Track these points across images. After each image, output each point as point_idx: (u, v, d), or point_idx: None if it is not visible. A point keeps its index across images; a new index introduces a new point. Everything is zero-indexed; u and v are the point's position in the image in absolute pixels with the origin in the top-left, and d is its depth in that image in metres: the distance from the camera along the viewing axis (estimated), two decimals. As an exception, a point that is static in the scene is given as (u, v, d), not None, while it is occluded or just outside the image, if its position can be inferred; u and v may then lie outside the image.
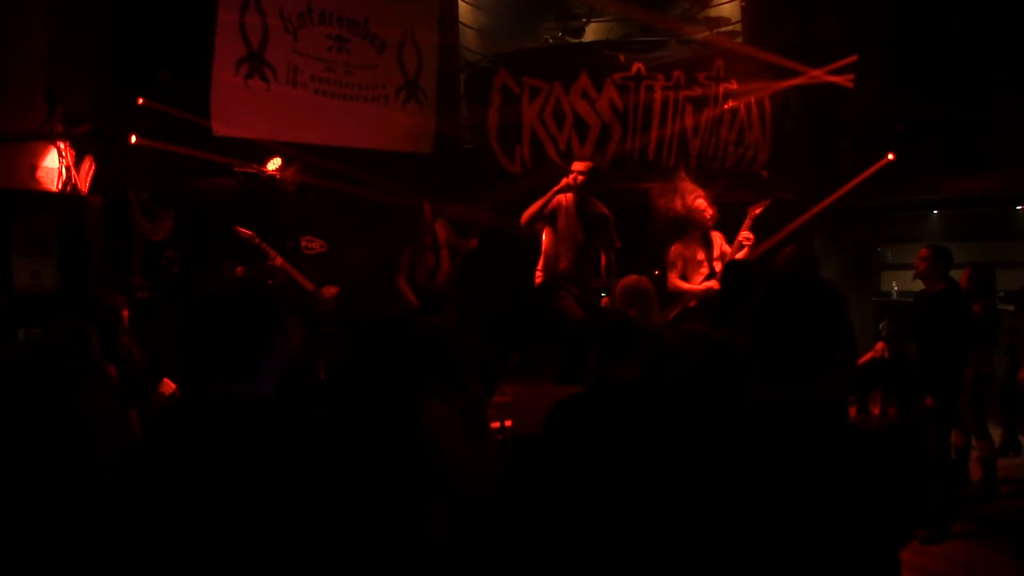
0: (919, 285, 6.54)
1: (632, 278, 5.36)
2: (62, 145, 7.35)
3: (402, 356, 3.01)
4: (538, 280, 7.37)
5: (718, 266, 7.15)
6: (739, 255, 7.08)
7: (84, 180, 7.33)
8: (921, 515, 5.86)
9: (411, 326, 3.18)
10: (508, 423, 5.95)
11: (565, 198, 7.20)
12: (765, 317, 2.14)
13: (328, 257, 7.76)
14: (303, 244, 7.66)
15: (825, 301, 2.13)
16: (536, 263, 7.43)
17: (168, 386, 5.83)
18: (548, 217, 7.24)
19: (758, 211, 7.14)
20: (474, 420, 4.28)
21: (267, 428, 2.11)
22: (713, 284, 7.09)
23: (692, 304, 7.15)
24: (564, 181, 7.16)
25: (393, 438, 2.84)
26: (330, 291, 7.63)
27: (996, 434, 7.15)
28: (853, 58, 8.60)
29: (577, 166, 7.21)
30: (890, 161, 8.12)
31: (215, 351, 2.17)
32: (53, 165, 7.31)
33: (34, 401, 1.89)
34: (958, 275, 6.62)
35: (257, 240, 7.26)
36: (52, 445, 2.02)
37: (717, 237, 7.26)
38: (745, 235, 7.07)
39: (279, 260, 7.35)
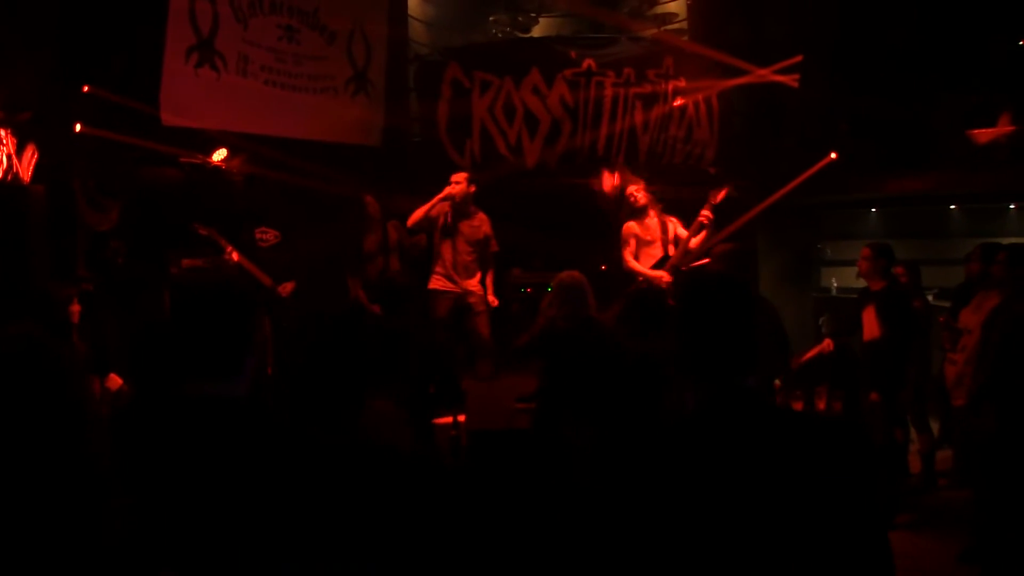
0: (859, 281, 6.69)
1: (566, 273, 5.42)
2: (3, 132, 7.15)
3: (347, 353, 2.97)
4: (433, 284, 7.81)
5: (671, 249, 7.35)
6: (697, 237, 7.28)
7: (26, 168, 7.14)
8: (890, 498, 6.05)
9: (360, 325, 3.13)
10: (461, 418, 5.97)
11: (446, 205, 7.70)
12: (689, 316, 2.13)
13: (282, 248, 7.72)
14: (257, 236, 7.60)
15: (739, 297, 2.13)
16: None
17: (115, 381, 5.73)
18: (432, 223, 7.74)
19: (720, 196, 7.33)
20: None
21: (249, 430, 2.07)
22: (663, 275, 7.26)
23: (643, 285, 7.27)
24: (446, 191, 7.66)
25: (335, 433, 2.81)
26: (287, 287, 7.61)
27: (934, 427, 7.36)
28: (798, 58, 8.70)
29: (456, 177, 7.76)
30: (833, 160, 8.27)
31: (198, 350, 2.11)
32: (-7, 153, 7.13)
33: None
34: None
35: (215, 236, 7.24)
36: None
37: (672, 222, 7.45)
38: (705, 213, 7.28)
39: (236, 255, 7.30)
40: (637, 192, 7.55)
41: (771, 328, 5.95)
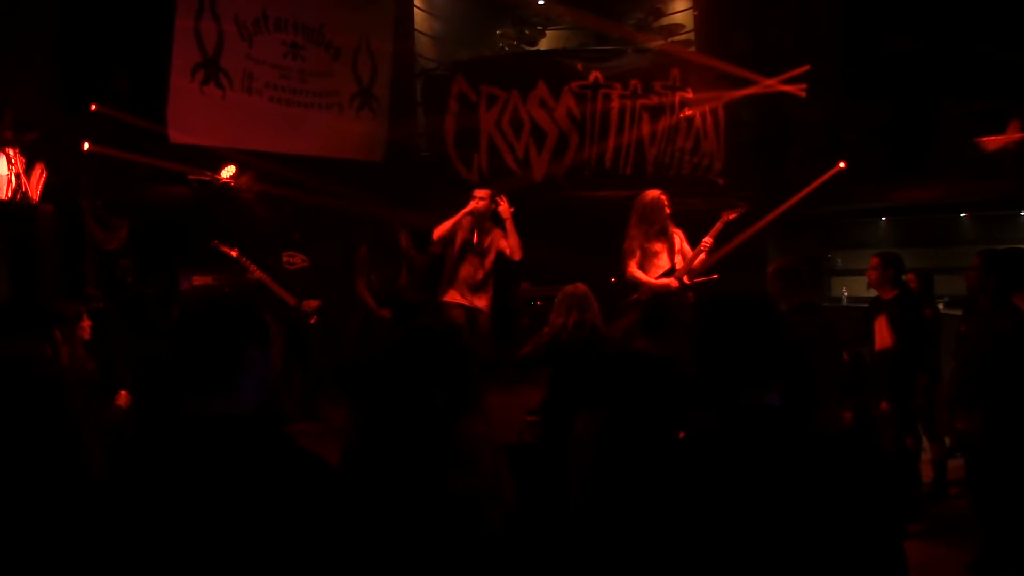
0: (870, 291, 6.63)
1: (571, 286, 5.37)
2: (11, 152, 7.19)
3: (449, 371, 2.88)
4: (444, 296, 7.74)
5: (678, 262, 7.21)
6: (699, 259, 7.17)
7: (35, 188, 7.18)
8: (902, 507, 6.01)
9: (459, 339, 3.00)
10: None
11: (470, 220, 7.63)
12: (708, 331, 2.14)
13: (310, 271, 7.76)
14: (285, 259, 7.63)
15: (759, 312, 2.14)
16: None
17: (124, 399, 5.73)
18: (453, 238, 7.67)
19: (732, 216, 7.23)
20: None
21: (243, 447, 2.04)
22: (671, 281, 7.13)
23: (644, 297, 7.19)
24: (471, 205, 7.54)
25: (434, 462, 2.77)
26: (311, 304, 7.64)
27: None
28: (805, 68, 8.68)
29: (479, 192, 7.63)
30: (841, 169, 8.23)
31: (186, 366, 2.12)
32: (2, 172, 7.13)
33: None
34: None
35: (236, 255, 7.27)
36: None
37: (678, 234, 7.31)
38: (707, 240, 7.15)
39: (259, 274, 7.34)
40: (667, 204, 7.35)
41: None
